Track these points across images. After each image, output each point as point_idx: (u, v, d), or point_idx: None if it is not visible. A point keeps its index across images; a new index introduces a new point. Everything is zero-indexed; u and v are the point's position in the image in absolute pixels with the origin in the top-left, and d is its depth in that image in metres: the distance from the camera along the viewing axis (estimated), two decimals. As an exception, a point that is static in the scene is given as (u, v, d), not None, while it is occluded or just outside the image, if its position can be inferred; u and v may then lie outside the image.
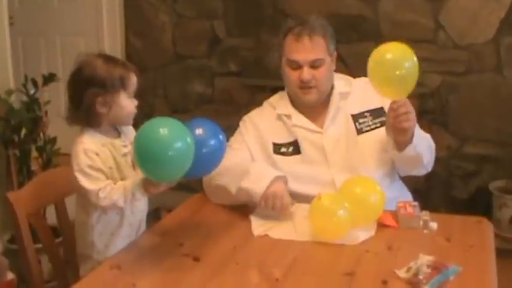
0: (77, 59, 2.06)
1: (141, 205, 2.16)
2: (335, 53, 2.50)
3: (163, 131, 1.77)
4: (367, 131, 2.46)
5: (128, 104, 2.06)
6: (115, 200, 1.97)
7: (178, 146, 1.76)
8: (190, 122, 1.92)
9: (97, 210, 2.07)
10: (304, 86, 2.40)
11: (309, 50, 2.38)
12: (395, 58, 2.13)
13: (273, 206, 2.19)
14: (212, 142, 1.92)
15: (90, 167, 1.98)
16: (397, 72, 2.10)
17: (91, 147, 2.00)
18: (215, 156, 1.96)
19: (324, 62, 2.40)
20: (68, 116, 2.07)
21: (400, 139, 2.25)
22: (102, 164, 2.01)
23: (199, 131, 1.90)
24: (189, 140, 1.78)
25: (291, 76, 2.42)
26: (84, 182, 1.98)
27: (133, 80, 2.07)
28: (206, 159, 1.92)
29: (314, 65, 2.38)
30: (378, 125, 2.46)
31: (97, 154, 2.00)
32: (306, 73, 2.37)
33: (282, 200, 2.20)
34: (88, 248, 2.12)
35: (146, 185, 1.93)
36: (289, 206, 2.21)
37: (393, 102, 2.17)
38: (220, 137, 1.96)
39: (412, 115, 2.18)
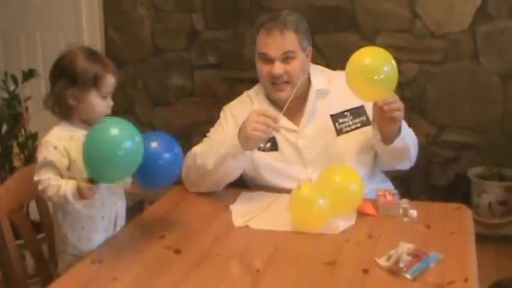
0: (63, 50, 2.07)
1: (114, 198, 2.13)
2: (310, 49, 2.48)
3: (112, 131, 1.84)
4: (347, 131, 2.44)
5: (98, 103, 2.04)
6: (49, 196, 1.95)
7: (127, 145, 1.82)
8: (146, 134, 1.98)
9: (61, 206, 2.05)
10: (277, 81, 2.38)
11: (280, 43, 2.36)
12: (373, 64, 2.14)
13: (265, 124, 2.16)
14: (167, 155, 1.98)
15: (44, 158, 1.97)
16: (376, 77, 2.10)
17: (52, 140, 2.00)
18: (171, 167, 2.02)
19: (295, 56, 2.38)
20: (44, 100, 2.07)
21: (389, 130, 2.25)
22: (58, 159, 1.98)
23: (154, 144, 1.96)
24: (137, 138, 1.85)
25: (263, 70, 2.41)
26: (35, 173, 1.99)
27: (109, 81, 2.04)
28: (163, 171, 1.99)
29: (286, 58, 2.36)
30: (358, 125, 2.45)
31: (55, 148, 1.98)
32: (277, 67, 2.36)
33: (265, 113, 2.20)
34: (63, 244, 2.10)
35: (80, 190, 1.90)
36: (278, 115, 2.20)
37: None
38: (176, 149, 2.01)
39: (400, 103, 2.19)
